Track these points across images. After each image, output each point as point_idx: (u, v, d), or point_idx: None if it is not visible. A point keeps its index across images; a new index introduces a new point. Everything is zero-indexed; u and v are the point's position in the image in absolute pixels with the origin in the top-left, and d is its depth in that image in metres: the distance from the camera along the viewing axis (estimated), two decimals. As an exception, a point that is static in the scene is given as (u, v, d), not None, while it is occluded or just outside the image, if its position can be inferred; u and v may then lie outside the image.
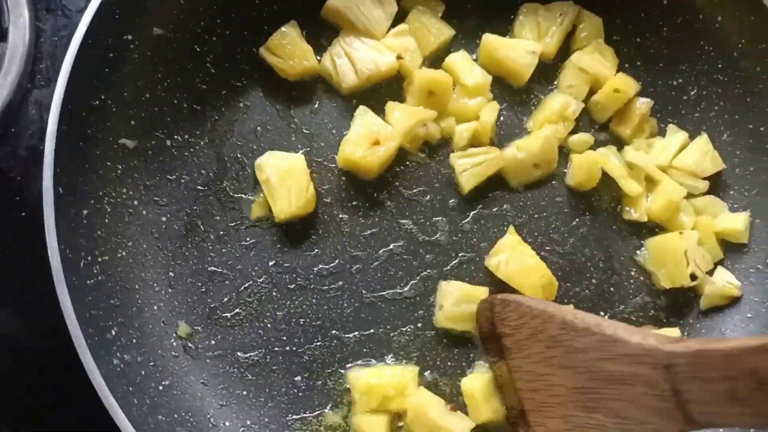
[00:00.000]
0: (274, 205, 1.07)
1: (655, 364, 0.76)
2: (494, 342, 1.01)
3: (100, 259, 0.99)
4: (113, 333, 0.97)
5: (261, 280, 1.09)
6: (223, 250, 1.08)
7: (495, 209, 1.15)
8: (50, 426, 1.05)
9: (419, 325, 1.09)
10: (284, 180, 1.06)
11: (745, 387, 0.67)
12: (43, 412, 1.06)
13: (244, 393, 1.05)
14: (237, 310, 1.07)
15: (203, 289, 1.07)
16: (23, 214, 1.08)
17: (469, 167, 1.12)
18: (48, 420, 1.05)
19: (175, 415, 0.98)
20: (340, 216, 1.12)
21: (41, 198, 0.89)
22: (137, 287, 1.03)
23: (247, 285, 1.08)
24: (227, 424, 1.02)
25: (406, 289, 1.11)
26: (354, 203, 1.12)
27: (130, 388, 0.93)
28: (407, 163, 1.14)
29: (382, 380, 1.03)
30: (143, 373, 0.98)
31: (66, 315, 0.88)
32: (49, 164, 0.89)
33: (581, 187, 1.14)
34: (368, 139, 1.06)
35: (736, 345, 0.67)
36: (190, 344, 1.05)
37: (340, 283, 1.10)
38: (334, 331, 1.09)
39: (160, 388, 0.99)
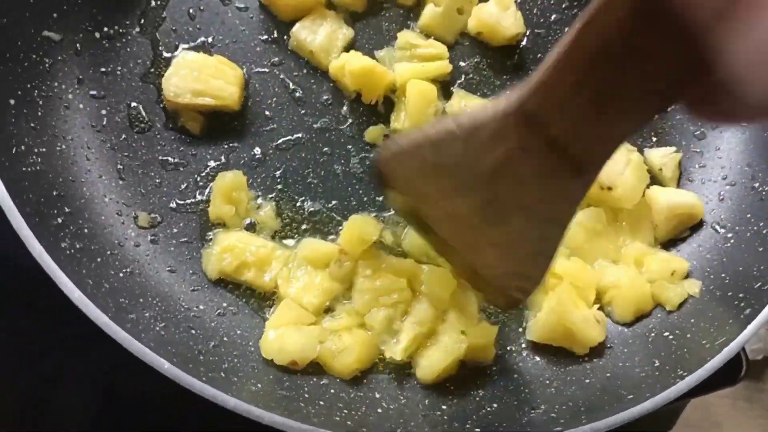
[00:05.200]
0: (221, 99, 1.00)
1: (517, 123, 0.64)
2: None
3: (36, 150, 0.91)
4: (59, 221, 0.88)
5: (218, 163, 1.00)
6: (173, 138, 1.01)
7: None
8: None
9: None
10: (203, 74, 1.00)
11: (594, 81, 0.56)
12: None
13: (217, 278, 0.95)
14: (197, 196, 0.99)
15: (158, 179, 0.99)
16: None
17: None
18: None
19: (141, 300, 0.89)
20: (292, 87, 1.04)
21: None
22: (83, 180, 0.95)
23: (203, 170, 1.00)
24: (201, 307, 0.93)
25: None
26: (305, 71, 1.05)
27: (84, 271, 0.85)
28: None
29: (245, 245, 0.96)
30: (99, 260, 0.89)
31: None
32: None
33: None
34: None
35: (557, 51, 0.57)
36: (151, 233, 0.96)
37: (303, 154, 1.02)
38: (299, 204, 1.00)
39: (120, 275, 0.90)
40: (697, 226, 1.05)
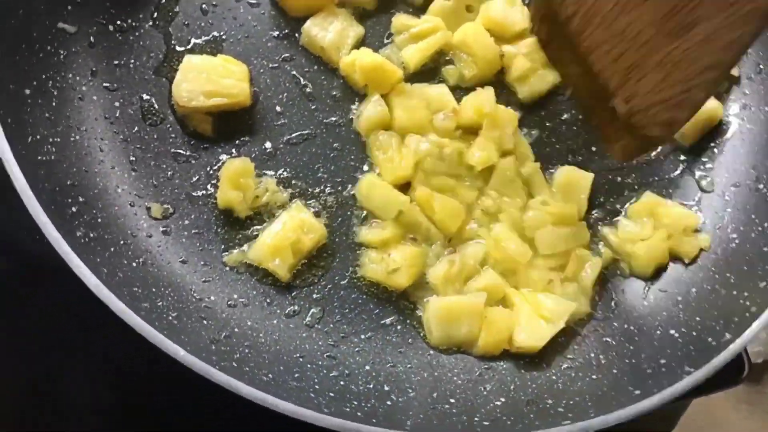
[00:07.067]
0: (233, 96, 1.01)
1: None
2: (559, 43, 0.91)
3: (51, 140, 0.92)
4: (73, 210, 0.89)
5: (229, 156, 1.01)
6: (185, 131, 1.01)
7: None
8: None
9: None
10: (212, 75, 1.01)
11: None
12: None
13: (227, 269, 0.96)
14: (209, 188, 1.00)
15: (170, 172, 1.00)
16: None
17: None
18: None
19: (153, 289, 0.89)
20: (303, 82, 1.05)
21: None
22: (96, 171, 0.96)
23: (215, 163, 1.01)
24: (213, 298, 0.94)
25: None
26: (316, 68, 1.06)
27: (98, 260, 0.85)
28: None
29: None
30: (112, 249, 0.90)
31: (14, 178, 0.80)
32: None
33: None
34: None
35: None
36: (163, 225, 0.96)
37: (313, 149, 1.03)
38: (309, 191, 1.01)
39: (134, 265, 0.91)
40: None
